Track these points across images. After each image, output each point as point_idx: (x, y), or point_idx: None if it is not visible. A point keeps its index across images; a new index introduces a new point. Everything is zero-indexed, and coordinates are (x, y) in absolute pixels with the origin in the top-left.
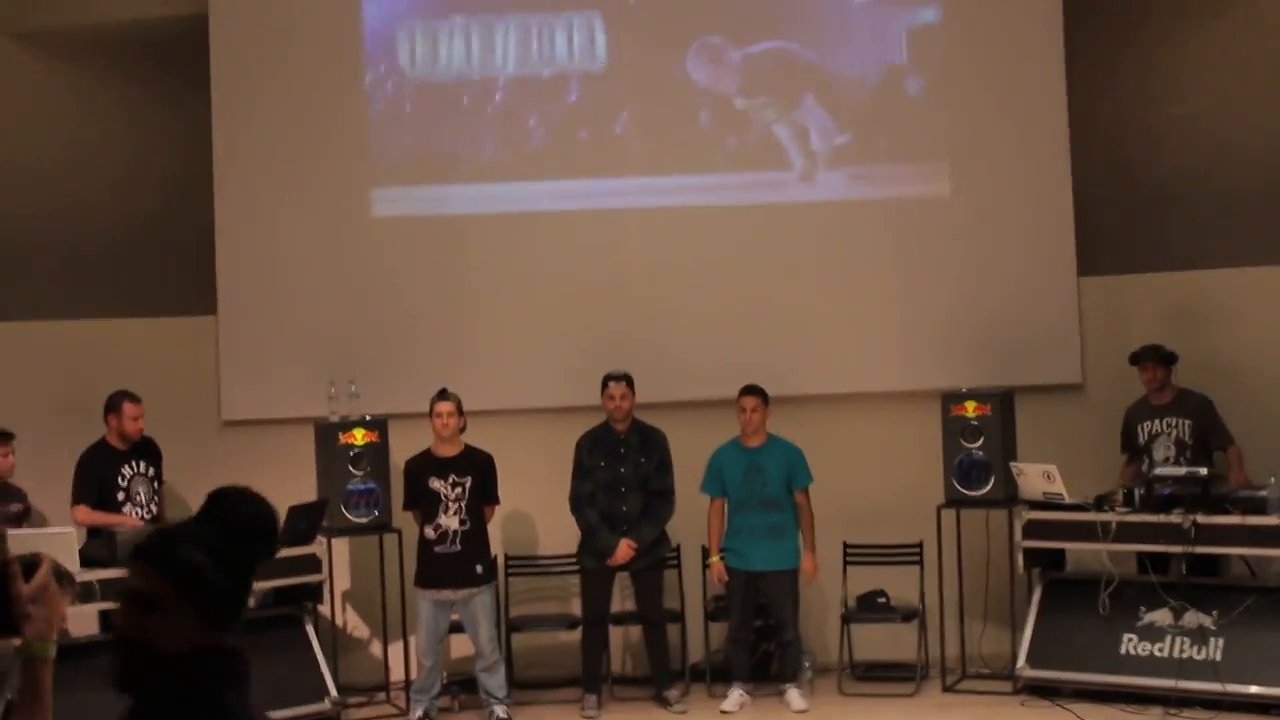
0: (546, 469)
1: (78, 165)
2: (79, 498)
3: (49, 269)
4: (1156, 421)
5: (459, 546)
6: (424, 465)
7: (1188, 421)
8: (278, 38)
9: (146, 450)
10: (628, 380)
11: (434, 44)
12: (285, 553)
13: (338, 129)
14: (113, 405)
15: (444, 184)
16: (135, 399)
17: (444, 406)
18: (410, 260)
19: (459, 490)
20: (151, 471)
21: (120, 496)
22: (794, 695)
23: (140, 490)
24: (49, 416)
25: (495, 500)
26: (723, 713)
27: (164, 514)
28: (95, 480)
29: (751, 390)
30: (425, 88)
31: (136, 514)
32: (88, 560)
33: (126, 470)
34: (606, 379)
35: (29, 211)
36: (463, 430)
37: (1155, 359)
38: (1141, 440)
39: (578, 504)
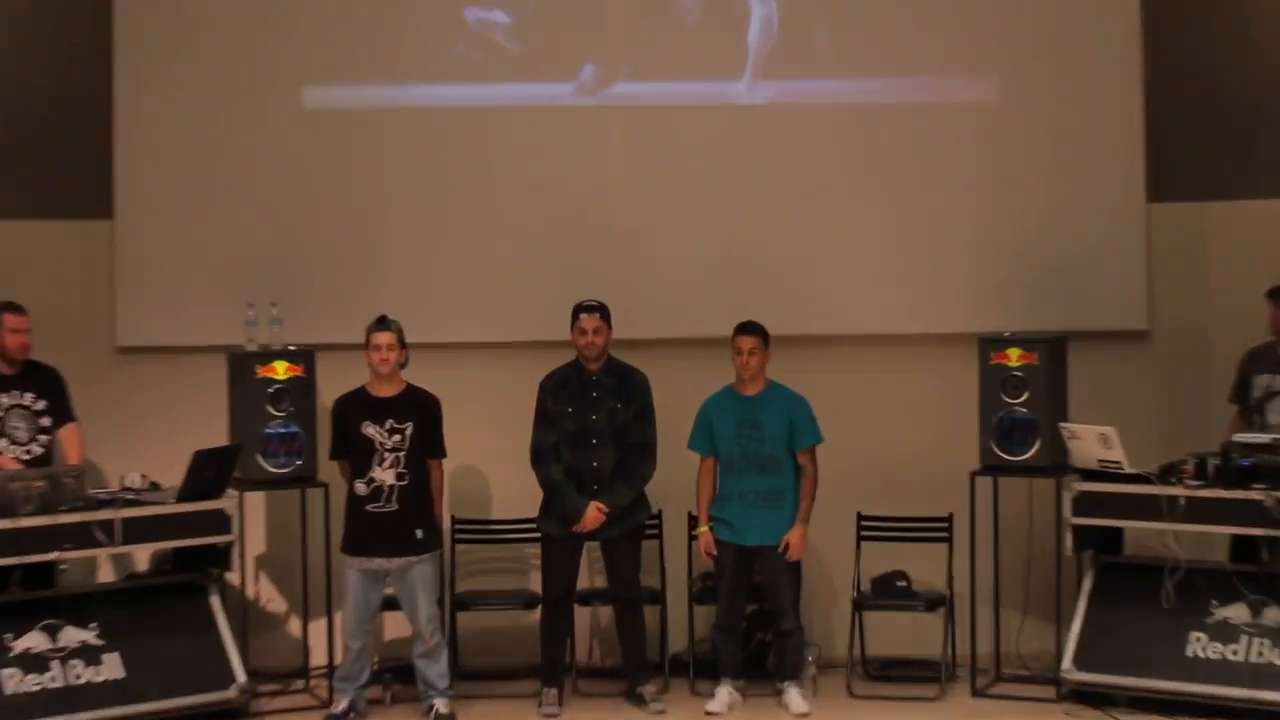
0: (503, 416)
1: None
2: None
3: None
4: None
5: (396, 505)
6: (356, 407)
7: None
8: None
9: (37, 378)
10: (602, 312)
11: None
12: (188, 508)
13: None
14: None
15: (390, 82)
16: (18, 309)
17: (383, 338)
18: (347, 163)
19: (398, 438)
20: (41, 404)
21: None
22: (794, 696)
23: (19, 425)
24: None
25: (441, 453)
26: (708, 714)
27: (53, 456)
28: None
29: (749, 328)
30: None
31: (12, 454)
32: None
33: (4, 400)
34: (577, 310)
35: None
36: (404, 366)
37: None
38: (1256, 395)
39: (540, 457)
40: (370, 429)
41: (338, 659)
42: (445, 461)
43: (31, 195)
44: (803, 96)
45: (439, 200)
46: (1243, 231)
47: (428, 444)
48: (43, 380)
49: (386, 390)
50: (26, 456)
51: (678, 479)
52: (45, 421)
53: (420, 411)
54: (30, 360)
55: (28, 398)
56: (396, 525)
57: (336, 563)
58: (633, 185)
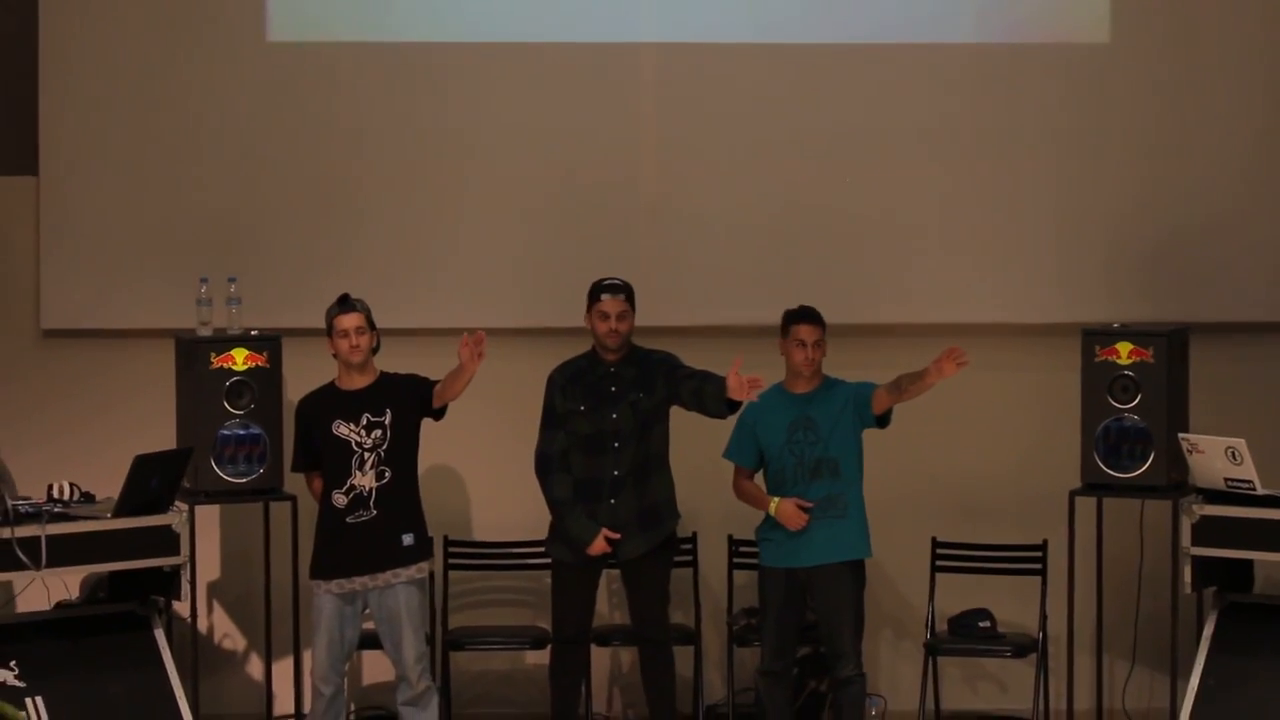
0: (505, 418)
1: None
2: None
3: None
4: None
5: (375, 510)
6: (325, 405)
7: None
8: None
9: None
10: (627, 293)
11: None
12: (128, 524)
13: None
14: None
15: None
16: None
17: (349, 320)
18: (319, 107)
19: (377, 433)
20: None
21: None
22: None
23: None
24: None
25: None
26: None
27: None
28: None
29: (810, 316)
30: None
31: None
32: None
33: None
34: (597, 289)
35: None
36: (376, 351)
37: None
38: None
39: (545, 467)
40: (344, 429)
41: (306, 706)
42: (433, 473)
43: None
44: (863, 34)
45: (426, 156)
46: None
47: (419, 411)
48: None
49: (358, 381)
50: None
51: (713, 497)
52: None
53: (399, 394)
54: None
55: None
56: (377, 534)
57: (305, 591)
58: (664, 139)
